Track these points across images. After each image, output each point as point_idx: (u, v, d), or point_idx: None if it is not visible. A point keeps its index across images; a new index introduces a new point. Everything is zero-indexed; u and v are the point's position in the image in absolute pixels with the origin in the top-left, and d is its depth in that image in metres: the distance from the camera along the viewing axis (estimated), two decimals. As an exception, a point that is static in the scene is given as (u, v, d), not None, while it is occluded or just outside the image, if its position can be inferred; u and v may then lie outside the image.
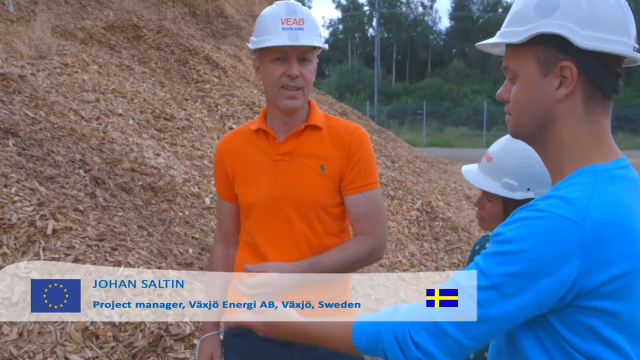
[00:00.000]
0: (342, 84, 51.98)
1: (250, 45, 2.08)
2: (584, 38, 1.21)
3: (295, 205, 2.05)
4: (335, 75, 54.56)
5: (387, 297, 6.01)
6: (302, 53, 2.03)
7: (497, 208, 1.93)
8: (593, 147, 1.26)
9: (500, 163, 1.91)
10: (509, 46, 1.31)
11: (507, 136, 1.97)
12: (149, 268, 3.44)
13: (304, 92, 2.06)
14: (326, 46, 2.13)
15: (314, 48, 2.07)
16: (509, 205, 1.90)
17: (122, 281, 3.24)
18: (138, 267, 3.39)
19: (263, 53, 2.04)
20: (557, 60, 1.24)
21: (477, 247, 2.21)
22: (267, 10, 2.08)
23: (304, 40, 2.00)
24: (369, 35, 61.68)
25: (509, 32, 1.31)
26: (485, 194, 1.96)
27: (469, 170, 2.05)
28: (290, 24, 2.01)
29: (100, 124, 5.62)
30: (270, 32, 2.01)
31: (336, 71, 55.00)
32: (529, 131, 1.32)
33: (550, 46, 1.24)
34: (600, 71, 1.23)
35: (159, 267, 3.53)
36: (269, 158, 2.10)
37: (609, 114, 1.29)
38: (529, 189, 1.87)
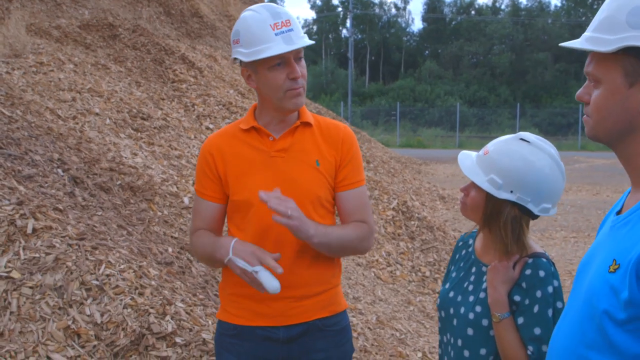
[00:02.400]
0: (316, 85, 52.07)
1: (244, 58, 2.05)
2: None
3: (294, 199, 2.08)
4: (309, 75, 53.97)
5: (365, 295, 6.07)
6: (297, 53, 2.08)
7: (480, 200, 1.98)
8: None
9: (494, 159, 1.96)
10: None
11: (510, 136, 2.02)
12: (130, 267, 3.44)
13: (304, 90, 2.14)
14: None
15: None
16: (490, 201, 1.96)
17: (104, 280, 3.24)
18: (119, 266, 3.39)
19: (257, 62, 2.04)
20: None
21: (461, 243, 2.27)
22: (249, 18, 2.07)
23: (299, 41, 2.05)
24: (342, 36, 61.84)
25: (597, 39, 1.29)
26: (474, 183, 2.01)
27: (465, 155, 2.08)
28: (280, 28, 2.02)
29: (77, 123, 5.58)
30: (264, 41, 2.01)
31: (310, 72, 54.54)
32: (610, 137, 1.34)
33: (638, 58, 1.23)
34: None
35: (140, 266, 3.53)
36: (265, 155, 2.13)
37: None
38: (512, 192, 1.92)
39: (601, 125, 1.34)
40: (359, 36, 59.54)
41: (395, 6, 64.53)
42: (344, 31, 60.97)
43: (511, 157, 1.93)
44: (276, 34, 2.01)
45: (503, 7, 61.26)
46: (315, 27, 64.49)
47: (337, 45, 61.93)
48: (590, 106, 1.35)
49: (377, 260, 6.82)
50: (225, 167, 2.16)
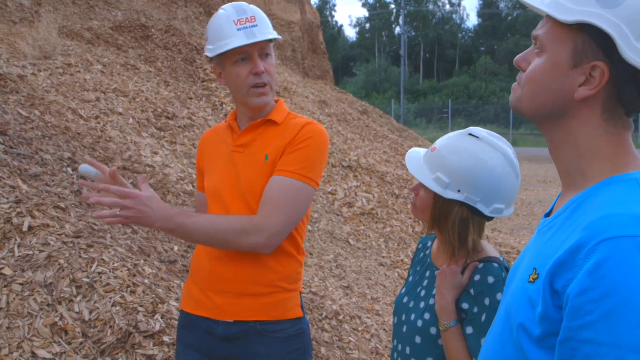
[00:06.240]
0: (369, 83, 51.92)
1: (209, 54, 2.11)
2: (634, 51, 1.08)
3: (239, 195, 2.09)
4: (362, 74, 54.53)
5: (384, 296, 5.97)
6: (262, 49, 2.09)
7: (429, 200, 1.88)
8: (619, 156, 1.15)
9: (441, 157, 1.85)
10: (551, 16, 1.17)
11: (459, 132, 1.92)
12: (124, 266, 3.46)
13: (271, 88, 2.11)
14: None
15: (270, 41, 2.12)
16: (438, 202, 1.86)
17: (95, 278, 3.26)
18: (113, 264, 3.42)
19: (223, 58, 2.09)
20: (593, 57, 1.11)
21: (421, 245, 2.18)
22: (216, 16, 2.13)
23: (261, 35, 2.05)
24: (396, 33, 61.38)
25: (560, 5, 1.14)
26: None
27: (414, 153, 1.99)
28: (244, 24, 2.05)
29: (99, 122, 5.68)
30: (227, 36, 2.05)
31: (363, 70, 54.96)
32: (536, 114, 1.21)
33: (594, 39, 1.10)
34: (630, 89, 1.11)
35: (135, 265, 3.55)
36: (227, 149, 2.18)
37: (631, 129, 1.18)
38: (459, 191, 1.81)
39: (530, 98, 1.21)
40: (413, 33, 58.96)
41: (450, 2, 63.55)
42: (397, 29, 60.49)
43: (459, 154, 1.82)
44: (238, 29, 2.05)
45: (562, 1, 59.51)
46: (368, 25, 64.24)
47: (391, 43, 61.50)
48: (525, 74, 1.22)
49: (402, 261, 6.71)
50: (204, 160, 2.29)
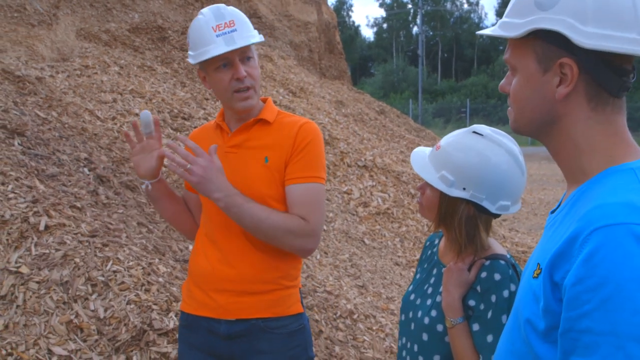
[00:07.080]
0: (387, 83, 51.83)
1: (192, 61, 2.13)
2: (585, 36, 1.11)
3: None
4: (380, 74, 54.45)
5: (399, 295, 5.96)
6: (242, 53, 2.10)
7: (434, 199, 1.89)
8: (615, 146, 1.17)
9: (446, 155, 1.85)
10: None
11: (463, 130, 1.93)
12: (138, 264, 3.50)
13: (255, 90, 2.13)
14: (263, 39, 2.17)
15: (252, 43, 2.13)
16: (444, 199, 1.86)
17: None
18: (128, 263, 3.47)
19: (205, 64, 2.11)
20: (556, 57, 1.15)
21: (428, 243, 2.18)
22: (195, 21, 2.13)
23: (240, 41, 2.05)
24: (413, 33, 61.20)
25: (508, 24, 1.22)
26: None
27: (419, 151, 1.99)
28: (222, 29, 2.06)
29: (116, 123, 5.74)
30: (207, 43, 2.06)
31: (381, 70, 54.87)
32: (531, 128, 1.26)
33: (549, 42, 1.16)
34: (603, 70, 1.13)
35: (150, 263, 3.59)
36: (221, 150, 2.17)
37: (623, 112, 1.19)
38: (464, 189, 1.81)
39: (521, 116, 1.25)
40: (430, 33, 58.76)
41: (468, 1, 63.19)
42: (415, 28, 60.34)
43: (464, 152, 1.82)
44: (217, 35, 2.05)
45: (581, -2, 58.96)
46: (385, 25, 64.12)
47: (408, 42, 61.34)
48: (510, 96, 1.27)
49: (417, 260, 6.69)
50: None
